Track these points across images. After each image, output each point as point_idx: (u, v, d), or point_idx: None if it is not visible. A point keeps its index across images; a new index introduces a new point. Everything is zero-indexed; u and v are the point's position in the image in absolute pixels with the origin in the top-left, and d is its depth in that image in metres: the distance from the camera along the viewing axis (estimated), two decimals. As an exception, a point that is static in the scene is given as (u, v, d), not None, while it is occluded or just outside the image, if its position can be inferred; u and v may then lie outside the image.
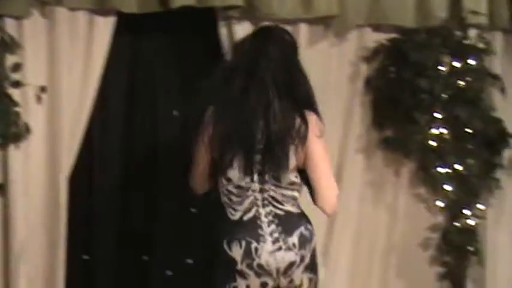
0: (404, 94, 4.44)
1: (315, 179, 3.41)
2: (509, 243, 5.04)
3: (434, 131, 4.49)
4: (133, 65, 4.43)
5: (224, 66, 3.50)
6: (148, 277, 4.47)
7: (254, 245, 3.33)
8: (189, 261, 4.53)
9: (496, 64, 4.77)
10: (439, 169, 4.54)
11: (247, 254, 3.33)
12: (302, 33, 4.40)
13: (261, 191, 3.37)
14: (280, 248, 3.33)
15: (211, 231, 3.52)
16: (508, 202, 5.00)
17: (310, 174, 3.41)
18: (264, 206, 3.37)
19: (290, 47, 3.49)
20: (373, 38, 4.55)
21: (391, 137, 4.56)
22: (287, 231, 3.35)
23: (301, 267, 3.36)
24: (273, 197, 3.37)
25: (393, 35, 4.55)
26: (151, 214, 4.45)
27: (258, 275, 3.33)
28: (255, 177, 3.36)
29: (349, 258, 4.61)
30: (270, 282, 3.35)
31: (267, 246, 3.33)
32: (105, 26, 4.17)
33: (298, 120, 3.36)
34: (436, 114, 4.47)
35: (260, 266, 3.33)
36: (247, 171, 3.35)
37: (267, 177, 3.35)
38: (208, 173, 3.46)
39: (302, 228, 3.39)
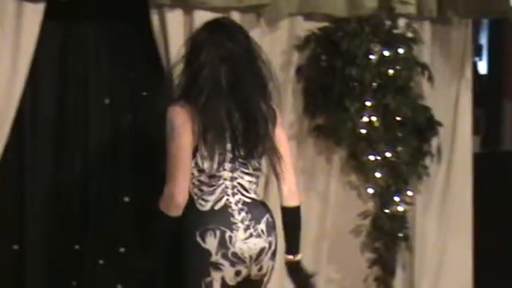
0: (335, 82, 4.48)
1: (285, 170, 3.49)
2: (437, 229, 5.14)
3: (364, 119, 4.54)
4: (64, 52, 4.37)
5: (188, 62, 3.44)
6: (80, 266, 4.43)
7: (228, 233, 3.34)
8: (122, 250, 4.50)
9: (424, 53, 4.86)
10: (370, 157, 4.60)
11: (222, 243, 3.33)
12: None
13: (232, 179, 3.39)
14: (251, 235, 3.36)
15: (180, 226, 3.43)
16: (436, 189, 5.10)
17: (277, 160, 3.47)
18: (233, 194, 3.39)
19: (250, 39, 3.49)
20: (305, 27, 4.59)
21: (323, 125, 4.61)
22: (256, 218, 3.39)
23: (269, 254, 3.41)
24: (241, 185, 3.40)
25: (324, 24, 4.59)
26: (83, 203, 4.41)
27: (232, 264, 3.34)
28: (226, 165, 3.37)
29: (280, 245, 4.63)
30: (244, 270, 3.37)
31: (240, 234, 3.35)
32: (34, 13, 4.10)
33: (267, 110, 3.42)
34: (366, 103, 4.52)
35: (235, 254, 3.34)
36: (220, 159, 3.35)
37: (237, 164, 3.38)
38: (189, 171, 3.37)
39: (268, 216, 3.44)
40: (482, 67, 8.34)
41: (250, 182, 3.43)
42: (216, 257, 3.33)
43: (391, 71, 4.54)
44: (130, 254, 4.51)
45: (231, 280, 3.37)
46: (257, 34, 4.49)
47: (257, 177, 3.46)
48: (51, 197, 4.37)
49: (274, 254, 3.45)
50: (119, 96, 4.47)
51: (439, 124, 4.73)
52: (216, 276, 3.34)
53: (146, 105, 4.50)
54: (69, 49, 4.38)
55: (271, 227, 3.43)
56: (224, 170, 3.37)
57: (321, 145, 4.68)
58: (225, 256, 3.33)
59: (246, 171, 3.41)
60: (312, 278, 3.56)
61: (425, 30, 4.90)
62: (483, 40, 8.28)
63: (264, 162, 3.49)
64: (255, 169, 3.43)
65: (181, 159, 3.34)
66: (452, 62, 5.09)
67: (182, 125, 3.34)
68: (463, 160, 5.14)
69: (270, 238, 3.41)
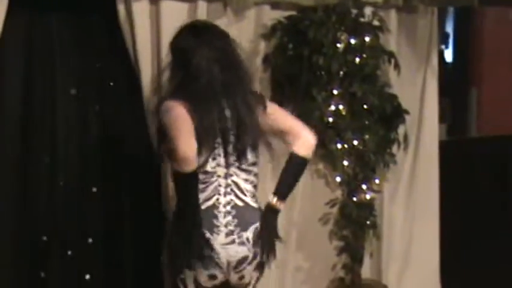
0: (302, 71, 4.49)
1: (290, 125, 3.49)
2: (404, 217, 5.18)
3: (332, 107, 4.55)
4: (30, 43, 4.33)
5: (180, 66, 3.46)
6: (48, 257, 4.41)
7: (207, 235, 3.29)
8: (90, 240, 4.49)
9: (390, 42, 4.88)
10: (337, 145, 4.61)
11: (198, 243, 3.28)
12: (200, 11, 4.39)
13: (226, 176, 3.35)
14: (233, 242, 3.30)
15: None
16: (403, 177, 5.14)
17: (282, 125, 3.48)
18: (225, 194, 3.35)
19: (229, 39, 3.54)
20: (271, 16, 4.59)
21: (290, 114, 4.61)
22: (243, 224, 3.33)
23: (254, 265, 3.35)
24: (236, 184, 3.36)
25: (291, 13, 4.59)
26: (51, 194, 4.38)
27: (205, 267, 3.29)
28: (221, 160, 3.35)
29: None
30: (219, 276, 3.32)
31: (220, 237, 3.30)
32: (-1, 4, 4.07)
33: (254, 98, 3.46)
34: (333, 91, 4.53)
35: (210, 257, 3.28)
36: (213, 154, 3.33)
37: (231, 159, 3.35)
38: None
39: (257, 224, 3.37)
40: (448, 55, 8.41)
41: (246, 180, 3.38)
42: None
43: (357, 60, 4.55)
44: (98, 244, 4.50)
45: (205, 282, 3.33)
46: (224, 23, 4.48)
47: (254, 175, 3.41)
48: (18, 188, 4.34)
49: (261, 266, 3.37)
50: (86, 86, 4.45)
51: (406, 112, 4.75)
52: (189, 275, 3.32)
53: (113, 95, 4.49)
54: (35, 40, 4.34)
55: (258, 238, 3.35)
56: (218, 166, 3.34)
57: (288, 134, 4.68)
58: (199, 257, 3.29)
59: (241, 166, 3.37)
60: (277, 239, 3.48)
61: (392, 18, 4.92)
62: (449, 28, 8.35)
63: (260, 158, 3.45)
64: (250, 164, 3.39)
65: (183, 123, 3.32)
66: (419, 51, 5.13)
67: (181, 111, 3.34)
68: (430, 148, 5.18)
69: (256, 248, 3.33)
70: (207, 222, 3.31)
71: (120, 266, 4.58)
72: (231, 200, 3.35)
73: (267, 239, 3.41)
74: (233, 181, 3.37)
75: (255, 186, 3.43)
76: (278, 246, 4.60)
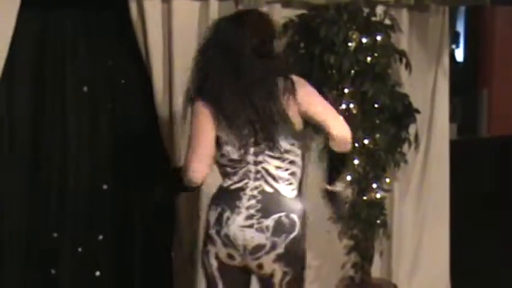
0: (313, 70, 4.48)
1: (322, 119, 3.41)
2: (414, 216, 5.17)
3: (343, 106, 4.54)
4: (42, 41, 4.35)
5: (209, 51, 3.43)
6: (58, 254, 4.42)
7: (227, 214, 3.32)
8: (100, 237, 4.50)
9: (402, 41, 4.87)
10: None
11: (219, 221, 3.32)
12: (212, 9, 4.40)
13: (255, 163, 3.34)
14: (251, 226, 3.29)
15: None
16: (413, 176, 5.14)
17: (314, 117, 3.41)
18: (255, 179, 3.33)
19: (267, 30, 3.47)
20: (283, 14, 4.59)
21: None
22: (265, 211, 3.30)
23: (272, 255, 3.29)
24: (267, 171, 3.33)
25: (302, 11, 4.59)
26: (62, 191, 4.39)
27: (224, 244, 3.32)
28: (251, 149, 3.33)
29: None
30: (237, 257, 3.32)
31: (239, 219, 3.30)
32: (12, 1, 4.07)
33: (281, 85, 3.35)
34: (344, 90, 4.53)
35: (227, 236, 3.31)
36: (242, 144, 3.32)
37: (261, 147, 3.32)
38: (209, 152, 3.38)
39: (283, 215, 3.32)
40: (459, 55, 8.40)
41: (278, 167, 3.33)
42: (211, 231, 3.34)
43: (369, 58, 4.54)
44: (108, 241, 4.52)
45: (225, 260, 3.34)
46: (235, 22, 4.50)
47: (290, 162, 3.35)
48: (29, 185, 4.36)
49: (282, 258, 3.30)
50: (98, 84, 4.46)
51: (417, 111, 4.74)
52: (211, 249, 3.35)
53: (124, 93, 4.50)
54: (47, 37, 4.36)
55: (282, 228, 3.30)
56: (248, 154, 3.33)
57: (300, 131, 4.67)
58: (218, 234, 3.32)
59: (272, 154, 3.32)
60: (345, 204, 3.60)
61: (403, 17, 4.92)
62: (460, 28, 8.34)
63: (296, 145, 3.37)
64: (283, 151, 3.32)
65: (201, 137, 3.35)
66: (430, 50, 5.12)
67: (203, 119, 3.34)
68: (440, 147, 5.18)
69: (275, 239, 3.28)
70: (231, 202, 3.33)
71: (130, 262, 4.59)
72: (260, 185, 3.33)
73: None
74: (263, 167, 3.34)
75: (292, 174, 3.38)
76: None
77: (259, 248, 3.29)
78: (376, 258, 4.92)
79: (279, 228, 3.29)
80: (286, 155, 3.34)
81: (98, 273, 4.51)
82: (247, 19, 3.43)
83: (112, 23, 4.45)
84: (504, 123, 7.17)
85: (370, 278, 4.83)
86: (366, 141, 4.61)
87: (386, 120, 4.64)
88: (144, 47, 4.33)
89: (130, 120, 4.53)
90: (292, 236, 3.30)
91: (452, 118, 5.53)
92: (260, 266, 3.31)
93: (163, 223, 4.59)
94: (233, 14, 3.56)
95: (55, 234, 4.41)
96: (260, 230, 3.28)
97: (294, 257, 3.33)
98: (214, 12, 4.40)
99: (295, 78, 3.41)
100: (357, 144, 4.59)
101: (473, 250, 5.49)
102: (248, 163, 3.33)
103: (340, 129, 3.44)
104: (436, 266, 5.22)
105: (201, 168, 3.35)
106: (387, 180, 4.79)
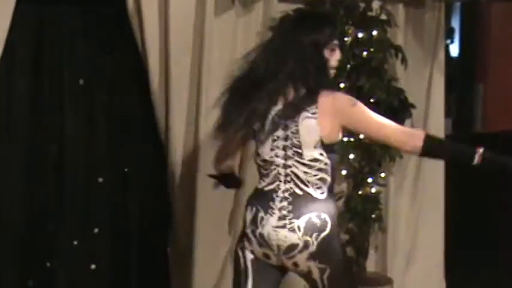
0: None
1: (385, 134, 3.40)
2: (409, 211, 5.19)
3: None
4: (39, 33, 4.35)
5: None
6: (54, 247, 4.43)
7: (261, 214, 3.38)
8: (96, 230, 4.51)
9: (398, 36, 4.89)
10: (343, 138, 4.61)
11: (254, 220, 3.38)
12: (209, 4, 4.41)
13: (284, 166, 3.38)
14: (284, 226, 3.34)
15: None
16: (409, 171, 5.15)
17: (377, 137, 3.45)
18: (286, 182, 3.38)
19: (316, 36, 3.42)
20: (279, 8, 4.59)
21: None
22: (296, 212, 3.35)
23: (305, 254, 3.33)
24: (295, 174, 3.37)
25: (299, 6, 4.59)
26: (58, 184, 4.40)
27: (259, 244, 3.39)
28: (279, 152, 3.38)
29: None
30: (272, 257, 3.39)
31: (272, 219, 3.35)
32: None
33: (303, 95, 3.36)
34: (340, 84, 4.53)
35: (261, 235, 3.37)
36: (272, 146, 3.37)
37: (290, 152, 3.37)
38: (227, 151, 3.54)
39: (313, 215, 3.35)
40: (454, 50, 8.41)
41: (306, 173, 3.36)
42: (247, 230, 3.41)
43: (365, 53, 4.56)
44: (104, 234, 4.52)
45: (261, 258, 3.41)
46: (232, 16, 4.52)
47: (319, 169, 3.36)
48: (26, 178, 4.36)
49: (315, 256, 3.34)
50: (94, 77, 4.46)
51: (413, 106, 4.75)
52: (247, 246, 3.42)
53: (121, 86, 4.50)
54: (44, 30, 4.35)
55: (313, 228, 3.33)
56: (277, 156, 3.38)
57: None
58: (253, 233, 3.40)
59: (300, 161, 3.36)
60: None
61: (399, 13, 4.93)
62: (455, 23, 8.35)
63: (326, 154, 3.35)
64: (311, 160, 3.36)
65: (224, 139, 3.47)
66: (426, 45, 5.13)
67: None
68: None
69: (307, 238, 3.33)
70: (265, 203, 3.39)
71: (126, 256, 4.59)
72: (291, 187, 3.38)
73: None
74: (292, 171, 3.38)
75: (321, 179, 3.39)
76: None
77: (292, 247, 3.34)
78: (371, 252, 4.93)
79: (310, 228, 3.33)
80: (313, 163, 3.37)
81: (93, 266, 4.52)
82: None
83: (109, 16, 4.44)
84: (499, 119, 7.18)
85: (365, 272, 4.84)
86: (361, 136, 4.62)
87: (382, 115, 4.63)
88: (140, 40, 4.34)
89: (126, 114, 4.53)
90: (323, 234, 3.34)
91: (447, 113, 5.53)
92: (296, 264, 3.37)
93: (159, 217, 4.59)
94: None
95: (51, 227, 4.42)
96: (292, 230, 3.33)
97: (328, 255, 3.36)
98: (211, 6, 4.41)
99: (331, 94, 3.38)
100: (352, 139, 4.61)
101: (467, 245, 5.51)
102: (278, 166, 3.39)
103: (397, 139, 3.41)
104: (431, 260, 5.24)
105: (219, 158, 3.59)
106: (382, 174, 4.81)
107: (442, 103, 5.23)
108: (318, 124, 3.31)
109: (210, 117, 4.47)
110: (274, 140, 3.37)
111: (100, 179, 4.49)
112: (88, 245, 4.50)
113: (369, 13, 4.63)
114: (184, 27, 4.40)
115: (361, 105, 3.40)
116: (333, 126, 3.35)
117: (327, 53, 3.39)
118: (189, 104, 4.50)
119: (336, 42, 3.42)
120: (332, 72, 3.44)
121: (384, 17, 4.67)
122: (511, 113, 6.91)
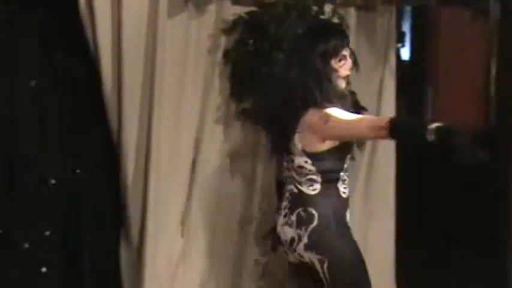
0: (262, 66, 4.51)
1: (359, 138, 4.10)
2: (360, 214, 5.20)
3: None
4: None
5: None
6: (3, 250, 4.38)
7: (276, 215, 3.72)
8: (47, 233, 4.47)
9: (350, 39, 4.90)
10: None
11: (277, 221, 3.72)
12: (162, 5, 4.40)
13: (287, 169, 3.69)
14: (286, 223, 3.64)
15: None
16: (360, 174, 5.18)
17: (354, 139, 3.97)
18: (288, 183, 3.68)
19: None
20: (232, 11, 4.60)
21: (250, 109, 4.63)
22: (292, 208, 3.64)
23: (301, 245, 3.59)
24: (292, 177, 3.66)
25: (252, 8, 4.61)
26: (9, 186, 4.36)
27: (282, 244, 3.68)
28: (285, 156, 3.68)
29: (207, 227, 4.67)
30: (289, 254, 3.67)
31: (280, 218, 3.68)
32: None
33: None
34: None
35: (279, 235, 3.67)
36: (282, 150, 3.70)
37: (288, 158, 3.68)
38: None
39: (301, 209, 3.61)
40: (405, 53, 8.48)
41: (299, 175, 3.64)
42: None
43: (317, 56, 4.57)
44: (55, 237, 4.48)
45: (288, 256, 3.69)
46: (185, 18, 4.52)
47: (305, 174, 3.62)
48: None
49: (309, 247, 3.58)
50: (46, 78, 4.42)
51: (364, 109, 4.79)
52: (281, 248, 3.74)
53: (73, 87, 4.47)
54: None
55: (302, 221, 3.60)
56: (285, 161, 3.71)
57: (247, 129, 4.71)
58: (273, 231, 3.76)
59: (293, 166, 3.64)
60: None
61: (351, 16, 4.96)
62: (406, 27, 8.41)
63: (311, 162, 3.59)
64: (298, 166, 3.63)
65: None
66: (377, 48, 5.18)
67: None
68: (387, 145, 5.23)
69: (298, 230, 3.59)
70: (278, 204, 3.74)
71: (78, 259, 4.56)
72: (291, 188, 3.66)
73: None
74: (291, 175, 3.67)
75: (311, 180, 3.62)
76: (235, 242, 4.66)
77: (292, 240, 3.61)
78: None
79: (299, 221, 3.59)
80: (299, 170, 3.63)
81: (44, 269, 4.47)
82: None
83: (61, 16, 4.40)
84: (449, 121, 7.25)
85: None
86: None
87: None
88: (92, 40, 4.32)
89: (78, 115, 4.50)
90: (311, 226, 3.57)
91: (398, 115, 5.58)
92: (301, 256, 3.61)
93: (112, 219, 4.57)
94: None
95: (1, 230, 4.37)
96: (290, 225, 3.62)
97: (322, 245, 3.58)
98: (164, 7, 4.40)
99: (307, 117, 3.60)
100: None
101: (417, 248, 5.55)
102: (285, 168, 3.71)
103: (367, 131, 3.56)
104: (381, 263, 5.25)
105: None
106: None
107: (393, 106, 5.28)
108: (300, 137, 3.58)
109: (162, 119, 4.48)
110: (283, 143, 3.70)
111: (52, 181, 4.45)
112: (39, 248, 4.46)
113: (321, 16, 4.65)
114: (137, 28, 4.38)
115: (334, 120, 3.54)
116: (311, 139, 3.58)
117: (334, 63, 3.58)
118: (141, 105, 4.48)
119: (344, 52, 3.63)
120: (343, 81, 3.67)
121: (336, 20, 4.70)
122: (459, 114, 6.99)
